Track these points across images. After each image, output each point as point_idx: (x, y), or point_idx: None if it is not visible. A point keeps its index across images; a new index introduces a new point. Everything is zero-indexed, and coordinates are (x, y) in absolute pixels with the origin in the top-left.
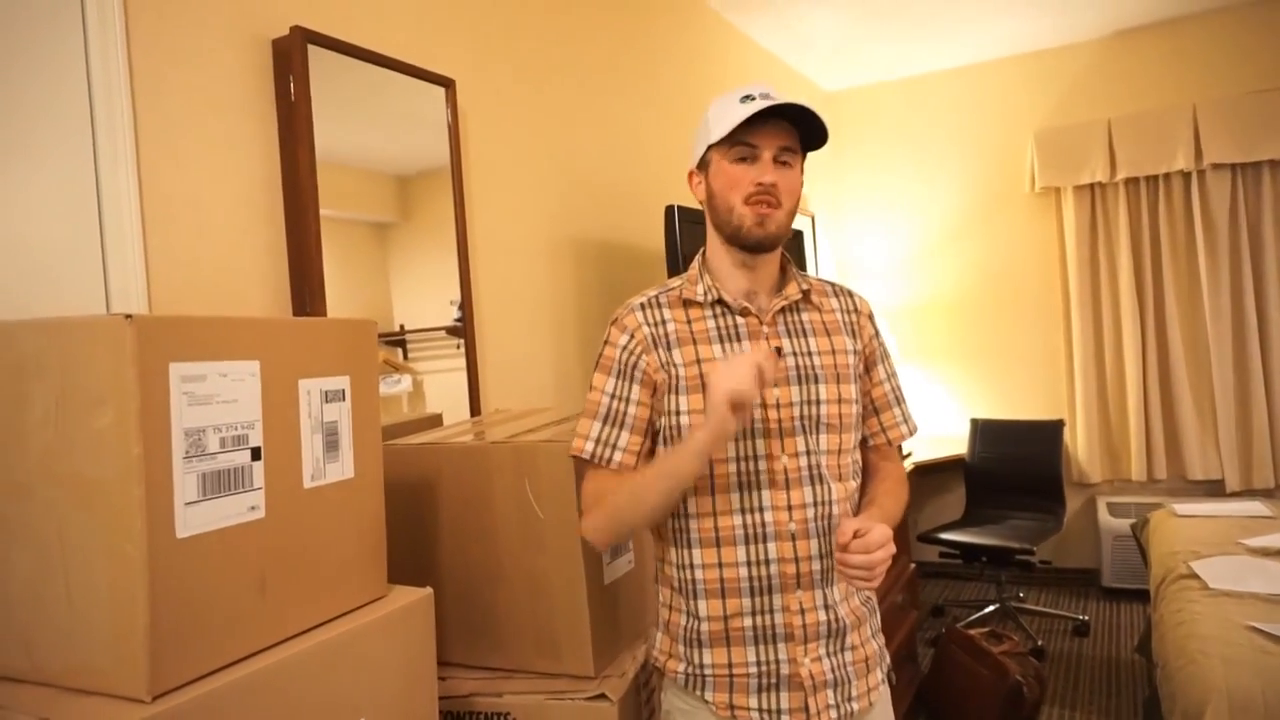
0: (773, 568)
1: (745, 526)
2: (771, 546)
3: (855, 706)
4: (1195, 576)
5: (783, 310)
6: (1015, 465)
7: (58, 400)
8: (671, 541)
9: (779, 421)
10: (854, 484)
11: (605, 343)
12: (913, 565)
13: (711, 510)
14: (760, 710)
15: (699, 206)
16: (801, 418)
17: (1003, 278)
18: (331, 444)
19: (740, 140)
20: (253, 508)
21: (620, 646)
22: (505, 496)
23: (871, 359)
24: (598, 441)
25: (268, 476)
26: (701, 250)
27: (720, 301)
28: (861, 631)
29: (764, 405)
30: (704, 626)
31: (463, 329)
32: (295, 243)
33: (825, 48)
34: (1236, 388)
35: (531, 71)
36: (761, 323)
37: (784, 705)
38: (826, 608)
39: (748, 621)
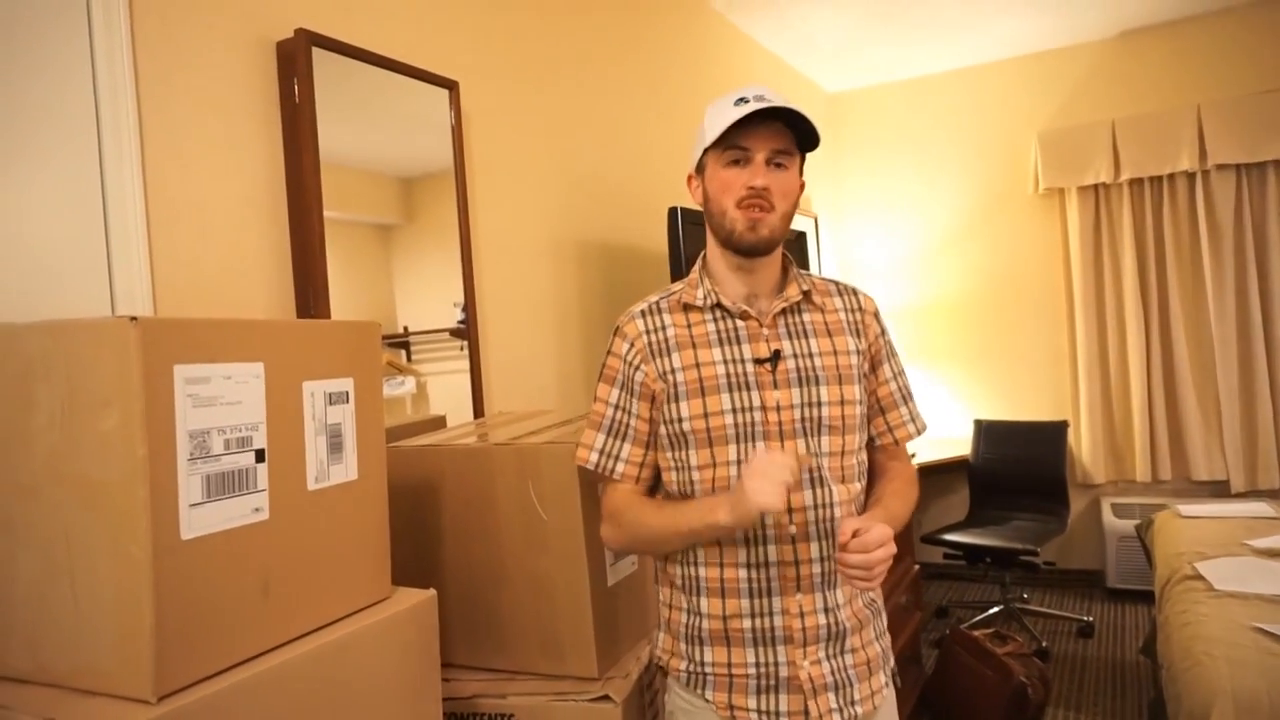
0: (772, 570)
1: (745, 529)
2: (771, 549)
3: (859, 710)
4: (1200, 578)
5: (783, 312)
6: (1019, 466)
7: (63, 402)
8: None
9: (779, 424)
10: (858, 485)
11: (608, 352)
12: (917, 566)
13: None
14: (759, 712)
15: (700, 208)
16: (802, 420)
17: (1007, 278)
18: (335, 446)
19: (733, 144)
20: (257, 509)
21: (623, 648)
22: (508, 498)
23: (877, 357)
24: (601, 452)
25: (272, 478)
26: (702, 254)
27: (719, 305)
28: (864, 634)
29: (764, 408)
30: (705, 624)
31: (466, 331)
32: (299, 244)
33: (828, 49)
34: (1241, 388)
35: (535, 73)
36: (761, 325)
37: (783, 707)
38: (827, 611)
39: (747, 623)
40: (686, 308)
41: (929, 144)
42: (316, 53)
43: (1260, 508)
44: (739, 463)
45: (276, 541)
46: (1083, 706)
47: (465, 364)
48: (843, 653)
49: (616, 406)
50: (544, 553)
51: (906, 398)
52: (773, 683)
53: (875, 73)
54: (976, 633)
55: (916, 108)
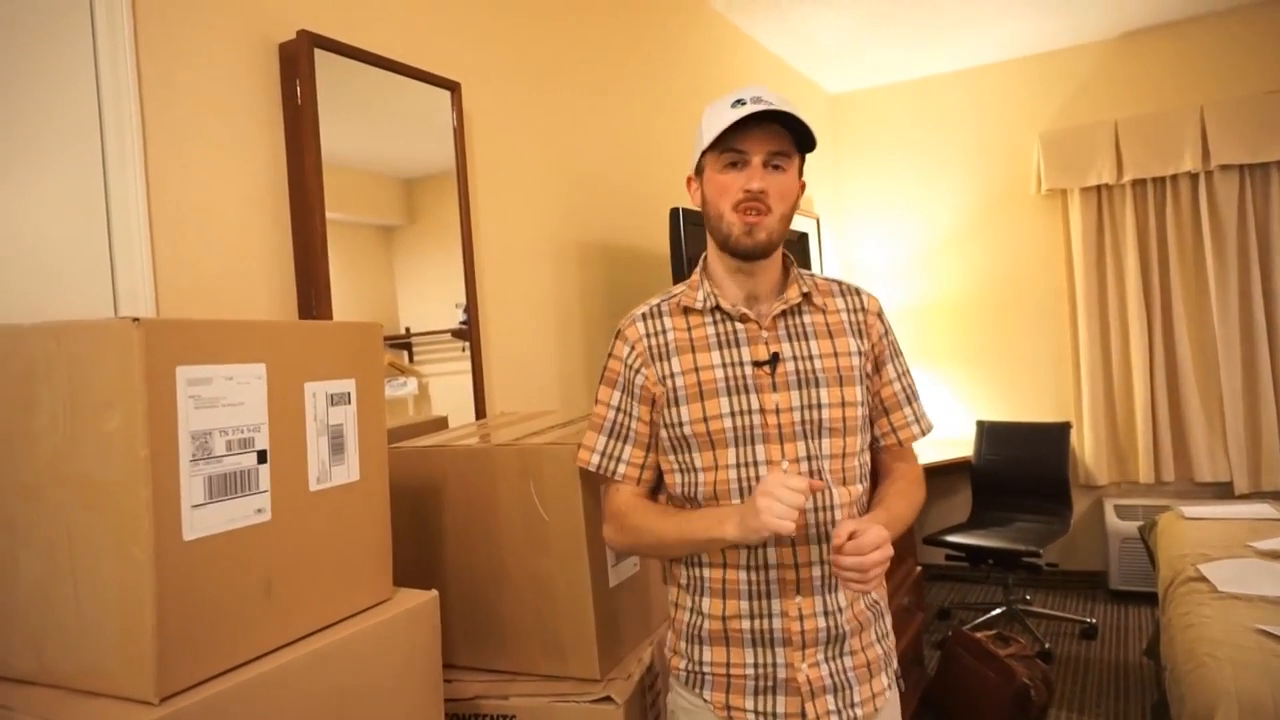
0: (771, 573)
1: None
2: (771, 552)
3: (859, 712)
4: (1204, 579)
5: (783, 314)
6: (1022, 467)
7: (65, 403)
8: None
9: (779, 427)
10: (860, 487)
11: (610, 355)
12: (919, 568)
13: None
14: (756, 713)
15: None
16: (802, 422)
17: (1009, 279)
18: (337, 447)
19: (729, 146)
20: (259, 510)
21: (625, 649)
22: (510, 499)
23: (881, 358)
24: (603, 454)
25: (274, 479)
26: (703, 255)
27: (719, 308)
28: (864, 636)
29: (763, 411)
30: (706, 623)
31: (468, 332)
32: (301, 245)
33: (830, 50)
34: (1245, 389)
35: (536, 74)
36: (760, 328)
37: (780, 709)
38: (827, 614)
39: (746, 624)
40: (686, 311)
41: (931, 145)
42: (319, 54)
43: (1264, 509)
44: (739, 466)
45: (278, 542)
46: (1085, 708)
47: (467, 365)
48: (842, 655)
49: (617, 409)
50: (546, 553)
51: (911, 398)
52: (770, 684)
53: (877, 74)
54: (979, 634)
55: (918, 109)
